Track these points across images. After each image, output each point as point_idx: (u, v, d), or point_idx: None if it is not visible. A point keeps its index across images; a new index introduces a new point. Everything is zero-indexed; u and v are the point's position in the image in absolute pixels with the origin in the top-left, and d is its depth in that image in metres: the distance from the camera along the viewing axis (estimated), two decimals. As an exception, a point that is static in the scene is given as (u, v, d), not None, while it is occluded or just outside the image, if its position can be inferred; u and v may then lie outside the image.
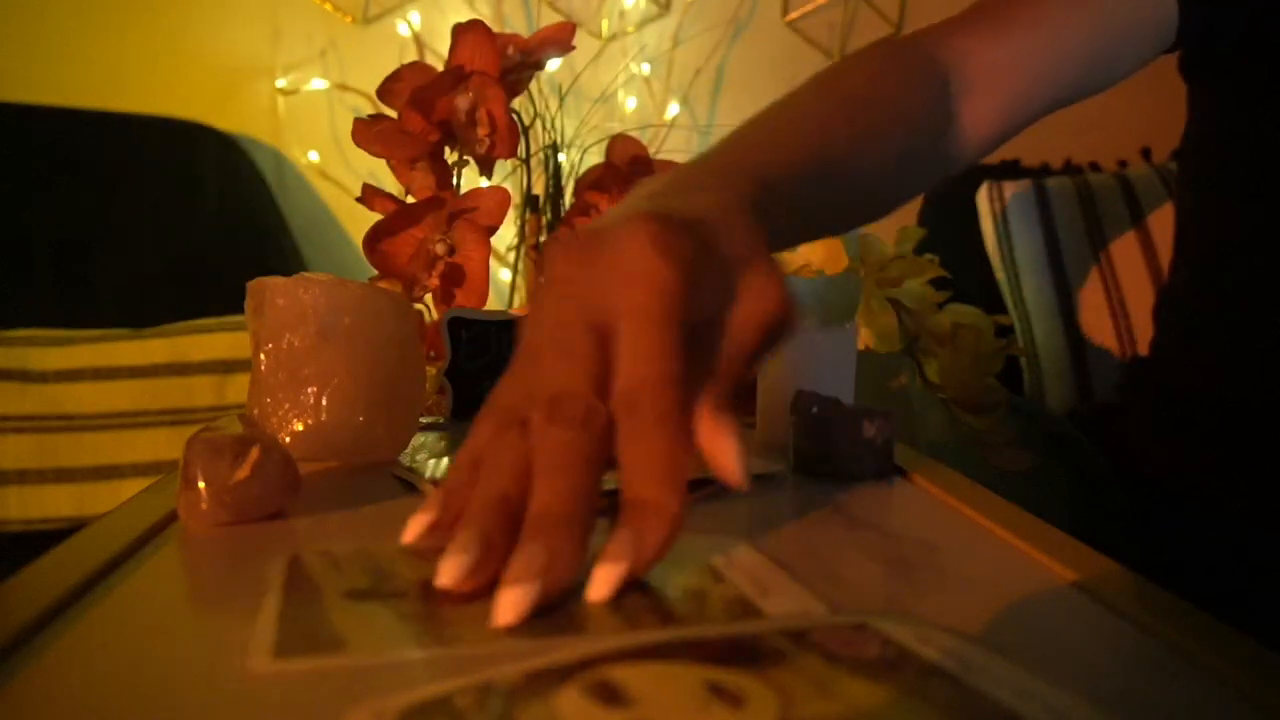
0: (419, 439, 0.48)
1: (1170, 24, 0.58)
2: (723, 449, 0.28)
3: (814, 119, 0.49)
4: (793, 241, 0.48)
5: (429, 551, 0.30)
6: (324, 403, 0.41)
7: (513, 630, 0.24)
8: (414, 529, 0.28)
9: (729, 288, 0.31)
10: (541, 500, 0.26)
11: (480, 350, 0.56)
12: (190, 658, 0.23)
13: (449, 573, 0.25)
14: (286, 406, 0.41)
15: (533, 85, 0.70)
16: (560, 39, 0.67)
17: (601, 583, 0.25)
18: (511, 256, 0.87)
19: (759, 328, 0.31)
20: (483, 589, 0.25)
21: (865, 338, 0.70)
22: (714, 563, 0.30)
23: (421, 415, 0.54)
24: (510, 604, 0.24)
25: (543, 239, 0.76)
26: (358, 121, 0.62)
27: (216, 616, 0.26)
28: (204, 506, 0.32)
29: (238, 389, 0.93)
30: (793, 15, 1.36)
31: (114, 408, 0.91)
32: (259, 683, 0.21)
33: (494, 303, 0.63)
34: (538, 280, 0.74)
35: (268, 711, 0.20)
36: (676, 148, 1.30)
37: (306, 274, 0.42)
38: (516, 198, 0.74)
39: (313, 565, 0.29)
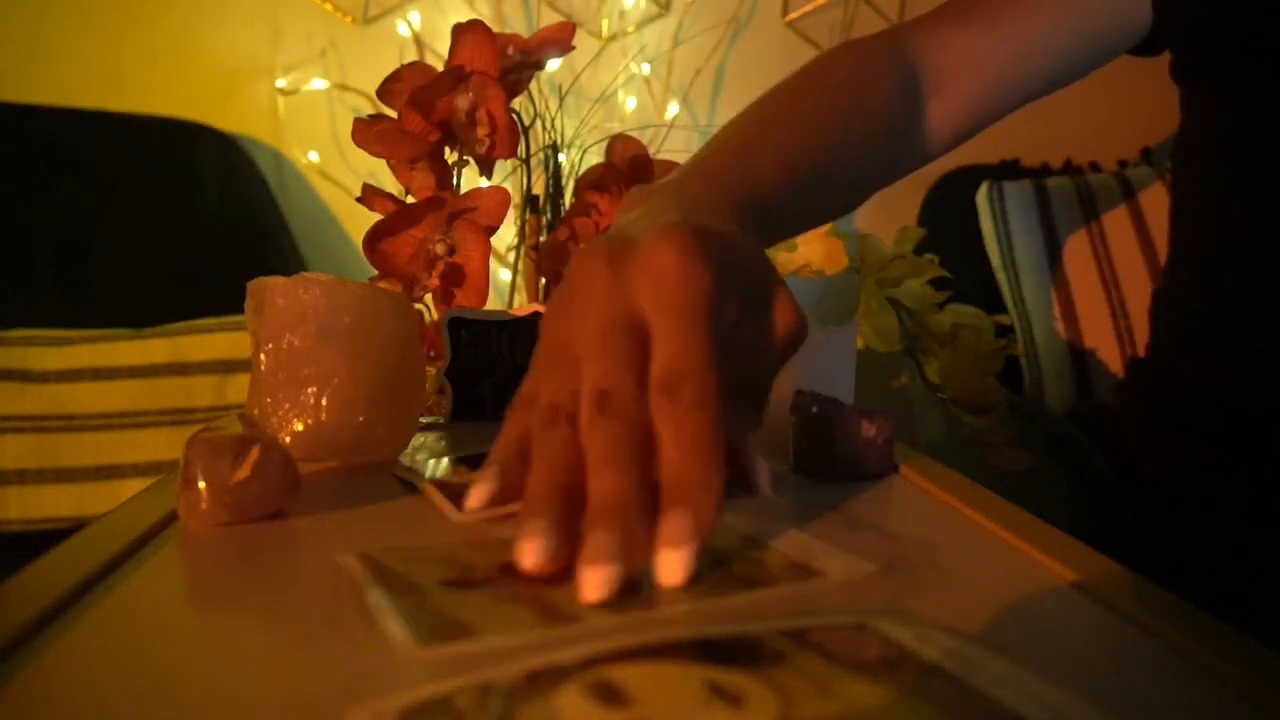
0: (419, 439, 0.48)
1: (1142, 22, 0.58)
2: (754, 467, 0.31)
3: (788, 130, 0.50)
4: (771, 244, 0.50)
5: (487, 541, 0.31)
6: (324, 403, 0.41)
7: (613, 604, 0.25)
8: (477, 498, 0.30)
9: (753, 304, 0.33)
10: (605, 488, 0.27)
11: (480, 350, 0.56)
12: (190, 657, 0.23)
13: (532, 556, 0.26)
14: (286, 406, 0.41)
15: (533, 85, 0.70)
16: (560, 39, 0.67)
17: (676, 566, 0.26)
18: (511, 256, 0.87)
19: (786, 344, 0.34)
20: (559, 573, 0.27)
21: (865, 338, 0.70)
22: (748, 533, 0.31)
23: (421, 415, 0.54)
24: (596, 583, 0.25)
25: (543, 239, 0.76)
26: (358, 121, 0.62)
27: (217, 616, 0.26)
28: (204, 506, 0.32)
29: (238, 389, 0.93)
30: (793, 15, 1.36)
31: (114, 408, 0.91)
32: (262, 681, 0.21)
33: (494, 303, 0.63)
34: (538, 280, 0.75)
35: (267, 712, 0.20)
36: (676, 148, 1.30)
37: (306, 274, 0.42)
38: (516, 198, 0.74)
39: (388, 561, 0.29)
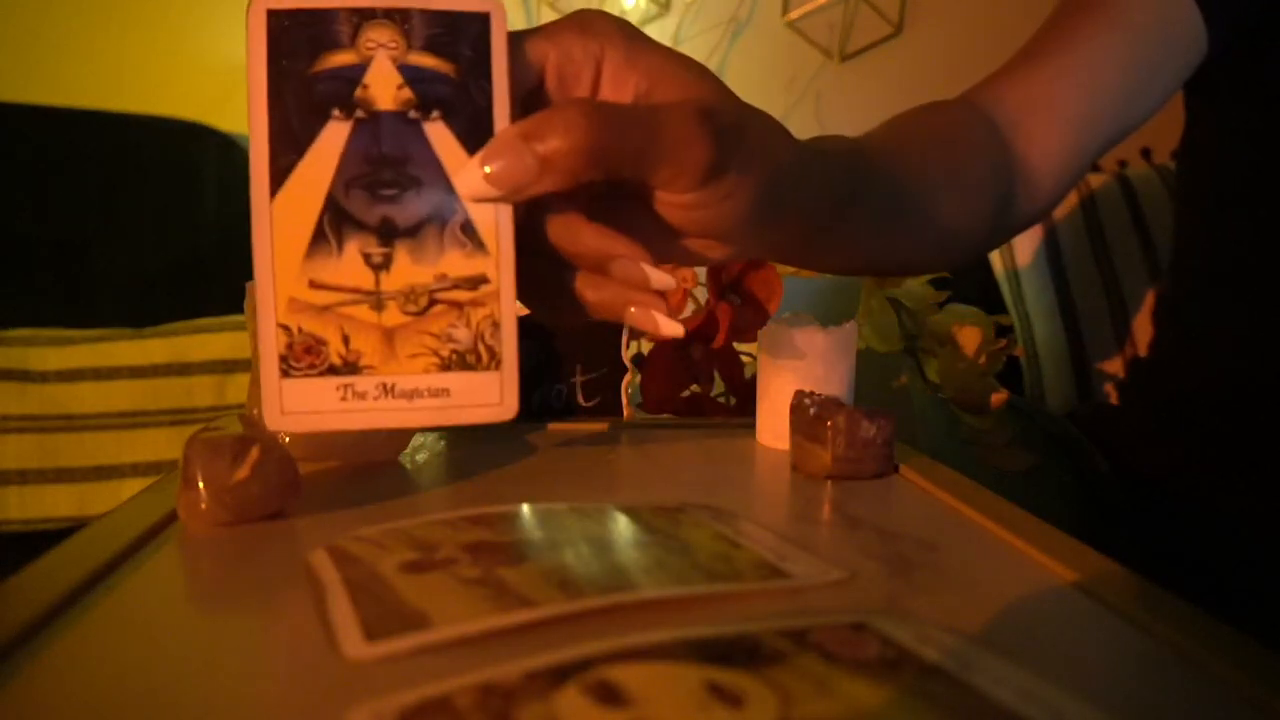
0: (419, 439, 0.48)
1: (1200, 38, 0.58)
2: None
3: (878, 134, 0.50)
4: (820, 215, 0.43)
5: (456, 521, 0.31)
6: (324, 403, 0.41)
7: (565, 587, 0.25)
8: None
9: None
10: None
11: (480, 350, 0.55)
12: (190, 657, 0.23)
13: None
14: (286, 406, 0.41)
15: (533, 85, 0.70)
16: (560, 39, 0.67)
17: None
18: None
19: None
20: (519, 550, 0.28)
21: (865, 338, 0.70)
22: (723, 531, 0.31)
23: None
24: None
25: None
26: (358, 121, 0.62)
27: (217, 616, 0.26)
28: (204, 506, 0.32)
29: (238, 389, 0.93)
30: (793, 15, 1.36)
31: (114, 408, 0.91)
32: (262, 681, 0.21)
33: (494, 303, 0.63)
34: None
35: (267, 712, 0.20)
36: (676, 148, 1.30)
37: (306, 274, 0.42)
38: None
39: (353, 548, 0.29)
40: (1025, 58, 0.58)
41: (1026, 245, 1.12)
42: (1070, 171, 0.59)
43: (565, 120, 0.29)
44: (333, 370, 0.33)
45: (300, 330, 0.32)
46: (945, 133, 0.54)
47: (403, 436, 0.45)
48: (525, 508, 0.34)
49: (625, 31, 0.34)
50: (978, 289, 1.12)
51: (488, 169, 0.30)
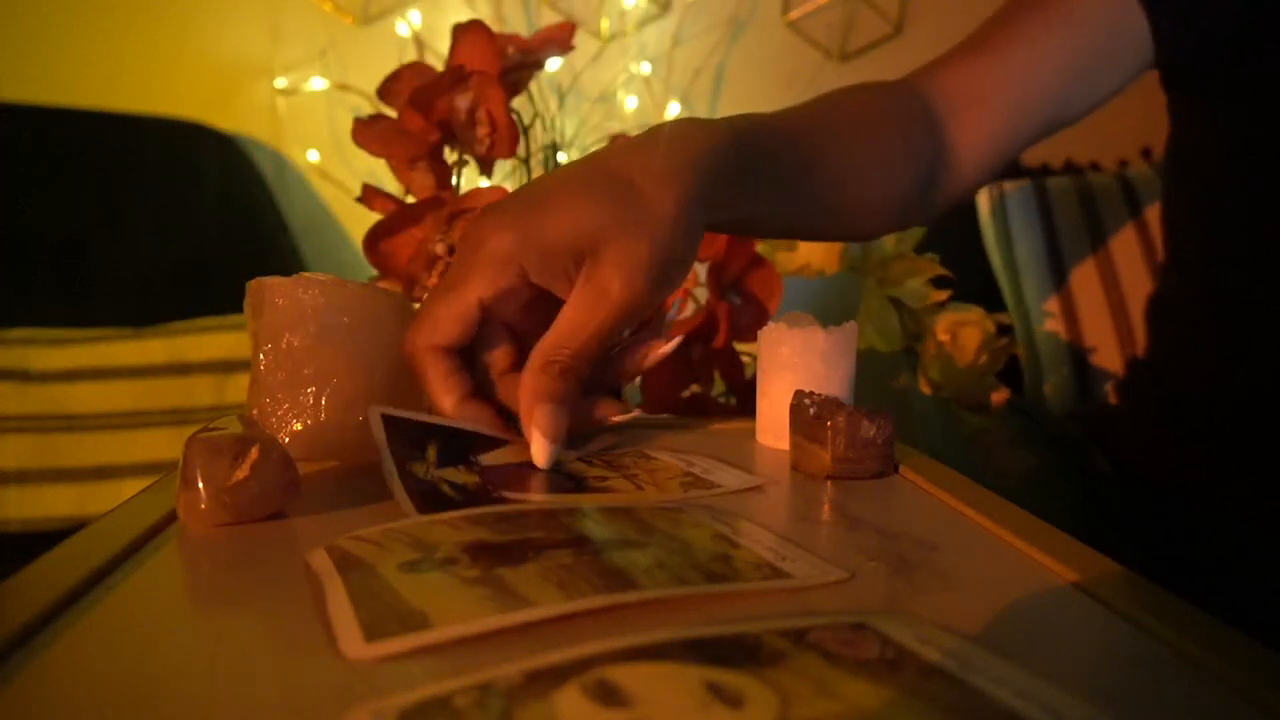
0: (419, 439, 0.48)
1: (1147, 42, 0.59)
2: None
3: (799, 115, 0.51)
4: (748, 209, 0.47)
5: (455, 521, 0.31)
6: (323, 403, 0.41)
7: (564, 587, 0.25)
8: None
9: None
10: None
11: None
12: (190, 657, 0.23)
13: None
14: (286, 406, 0.41)
15: (533, 85, 0.70)
16: (560, 39, 0.67)
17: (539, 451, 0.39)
18: (511, 256, 0.87)
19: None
20: (520, 549, 0.29)
21: (865, 338, 0.70)
22: (722, 531, 0.31)
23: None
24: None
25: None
26: (358, 121, 0.62)
27: (217, 616, 0.26)
28: (203, 506, 0.32)
29: (238, 389, 0.93)
30: (793, 15, 1.36)
31: (114, 408, 0.91)
32: (262, 681, 0.21)
33: (494, 303, 0.63)
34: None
35: (267, 712, 0.20)
36: (676, 148, 1.30)
37: (306, 274, 0.42)
38: (516, 198, 0.73)
39: (352, 548, 0.29)
40: (967, 48, 0.59)
41: (1027, 245, 1.12)
42: (996, 160, 0.60)
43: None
44: None
45: None
46: (874, 115, 0.55)
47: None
48: (525, 508, 0.34)
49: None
50: (978, 289, 1.12)
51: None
